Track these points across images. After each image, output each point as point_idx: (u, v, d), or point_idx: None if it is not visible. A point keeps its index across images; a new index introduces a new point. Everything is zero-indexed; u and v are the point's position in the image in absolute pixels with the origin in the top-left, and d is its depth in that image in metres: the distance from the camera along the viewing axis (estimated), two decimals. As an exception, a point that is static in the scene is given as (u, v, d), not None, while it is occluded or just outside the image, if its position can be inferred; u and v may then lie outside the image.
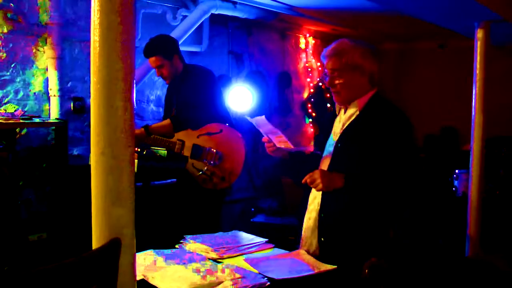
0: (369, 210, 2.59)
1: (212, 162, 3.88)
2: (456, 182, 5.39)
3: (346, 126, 2.67)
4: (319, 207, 2.65)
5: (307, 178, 2.51)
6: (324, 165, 2.70)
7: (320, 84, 8.54)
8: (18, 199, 4.58)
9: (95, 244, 1.44)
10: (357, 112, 2.65)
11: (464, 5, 3.89)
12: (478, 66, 4.39)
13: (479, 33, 4.38)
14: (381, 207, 2.61)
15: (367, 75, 2.64)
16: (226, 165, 3.95)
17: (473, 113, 4.42)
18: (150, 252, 2.54)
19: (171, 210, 4.30)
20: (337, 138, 2.69)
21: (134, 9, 1.48)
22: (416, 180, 2.65)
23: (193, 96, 3.96)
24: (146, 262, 2.36)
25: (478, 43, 4.38)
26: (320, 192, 2.64)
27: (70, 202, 4.48)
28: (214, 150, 3.90)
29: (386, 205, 2.63)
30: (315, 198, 2.71)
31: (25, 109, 4.82)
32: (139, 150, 3.97)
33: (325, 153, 2.75)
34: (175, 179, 4.50)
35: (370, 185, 2.54)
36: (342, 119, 2.73)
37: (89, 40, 4.86)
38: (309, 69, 8.50)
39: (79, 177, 4.65)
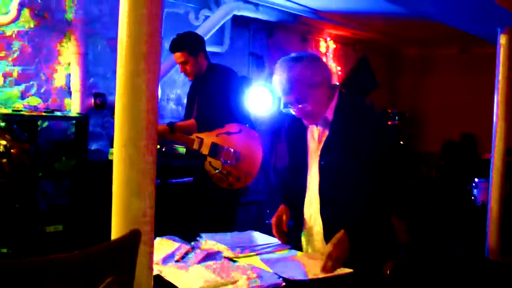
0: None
1: (229, 162, 3.89)
2: (475, 191, 5.34)
3: (324, 142, 2.55)
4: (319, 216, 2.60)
5: (324, 272, 2.28)
6: (312, 186, 2.60)
7: (342, 89, 8.51)
8: (37, 190, 4.64)
9: (114, 235, 1.46)
10: (328, 125, 2.54)
11: (487, 10, 3.87)
12: (500, 72, 4.34)
13: (502, 39, 4.33)
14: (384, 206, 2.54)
15: (325, 83, 2.50)
16: (243, 166, 3.95)
17: (494, 121, 4.37)
18: (169, 240, 2.58)
19: (187, 208, 4.32)
20: (317, 156, 2.57)
21: (162, 4, 1.50)
22: (404, 168, 2.59)
23: (216, 95, 3.98)
24: (163, 251, 2.39)
25: (501, 49, 4.34)
26: (317, 204, 2.58)
27: (88, 195, 4.52)
28: (232, 150, 3.91)
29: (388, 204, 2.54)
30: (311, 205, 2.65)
31: (47, 103, 4.88)
32: (159, 147, 4.00)
33: (309, 175, 2.63)
34: (192, 178, 4.53)
35: (371, 214, 2.47)
36: (316, 134, 2.62)
37: (112, 38, 4.92)
38: (329, 73, 8.48)
39: (97, 171, 4.70)
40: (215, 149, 3.93)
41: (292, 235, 2.75)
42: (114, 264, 1.30)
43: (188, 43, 4.00)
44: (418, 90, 9.79)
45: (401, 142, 8.62)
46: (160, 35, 1.53)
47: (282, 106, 2.59)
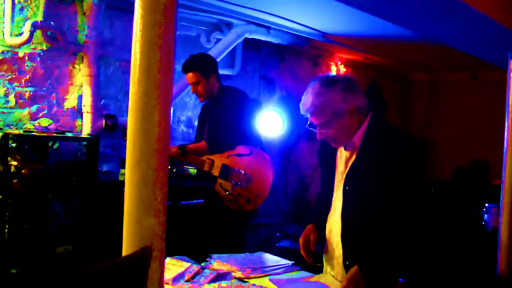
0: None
1: (239, 184, 3.88)
2: (486, 216, 5.30)
3: (350, 167, 2.50)
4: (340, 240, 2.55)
5: None
6: (337, 208, 2.57)
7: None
8: (47, 211, 4.64)
9: (125, 252, 1.46)
10: (356, 150, 2.50)
11: (498, 35, 3.88)
12: (510, 96, 4.34)
13: (512, 64, 4.34)
14: (403, 236, 2.44)
15: (355, 112, 2.44)
16: (253, 188, 3.94)
17: (505, 146, 4.35)
18: (179, 260, 2.57)
19: (198, 229, 4.31)
20: (343, 180, 2.53)
21: (175, 27, 1.51)
22: (425, 203, 2.51)
23: (227, 118, 3.98)
24: (173, 272, 2.38)
25: (511, 74, 4.34)
26: (340, 229, 2.53)
27: (98, 216, 4.53)
28: (243, 172, 3.91)
29: (407, 233, 2.44)
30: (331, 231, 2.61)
31: (58, 124, 4.91)
32: (169, 167, 3.99)
33: (335, 195, 2.60)
34: (202, 200, 4.52)
35: (386, 252, 2.40)
36: (343, 157, 2.58)
37: (124, 60, 4.95)
38: (339, 97, 8.49)
39: (107, 192, 4.70)
40: (225, 171, 3.93)
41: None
42: (125, 280, 1.30)
43: (201, 64, 4.02)
44: (429, 116, 9.78)
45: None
46: (173, 57, 1.54)
47: (307, 123, 2.53)
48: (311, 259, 2.62)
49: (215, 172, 3.94)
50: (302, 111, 2.52)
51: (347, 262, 2.46)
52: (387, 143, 2.43)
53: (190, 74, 4.03)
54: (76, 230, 4.58)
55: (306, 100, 2.46)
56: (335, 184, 2.60)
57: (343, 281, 2.34)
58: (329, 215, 2.62)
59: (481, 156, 8.48)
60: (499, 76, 5.40)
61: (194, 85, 4.06)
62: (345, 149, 2.55)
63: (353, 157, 2.49)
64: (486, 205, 5.27)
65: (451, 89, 9.50)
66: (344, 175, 2.52)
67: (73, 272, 1.12)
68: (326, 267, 2.65)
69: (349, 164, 2.51)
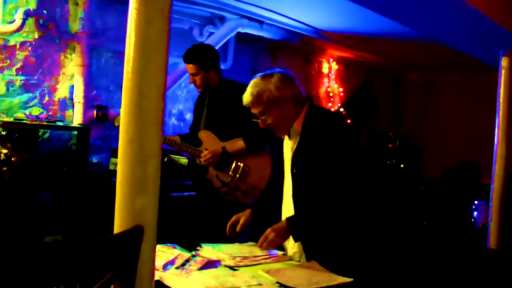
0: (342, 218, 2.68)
1: (237, 176, 3.86)
2: (475, 214, 5.33)
3: (294, 151, 2.73)
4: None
5: (263, 244, 2.63)
6: (288, 194, 2.78)
7: (342, 109, 8.55)
8: (37, 200, 4.62)
9: (116, 231, 1.45)
10: (298, 136, 2.72)
11: (490, 32, 3.90)
12: (502, 95, 4.37)
13: (504, 62, 4.37)
14: (352, 213, 2.70)
15: (290, 100, 2.69)
16: (251, 180, 3.91)
17: (495, 143, 4.38)
18: (170, 247, 2.58)
19: (189, 220, 4.29)
20: (290, 164, 2.75)
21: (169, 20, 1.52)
22: (371, 179, 2.74)
23: (230, 112, 3.93)
24: (163, 258, 2.37)
25: (503, 71, 4.37)
26: (292, 210, 2.73)
27: (88, 206, 4.51)
28: (241, 164, 3.88)
29: (355, 211, 2.70)
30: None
31: (49, 114, 4.89)
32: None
33: (285, 182, 2.82)
34: (194, 192, 4.50)
35: (316, 217, 2.64)
36: (289, 144, 2.80)
37: (116, 50, 4.91)
38: (331, 94, 8.52)
39: (98, 182, 4.68)
40: (223, 163, 3.90)
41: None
42: (116, 257, 1.29)
43: (200, 57, 3.99)
44: (421, 116, 9.82)
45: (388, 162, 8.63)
46: (167, 50, 1.54)
47: (253, 116, 2.77)
48: (231, 233, 2.88)
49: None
50: (244, 104, 2.73)
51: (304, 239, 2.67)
52: (325, 127, 2.65)
53: (189, 65, 4.01)
54: (65, 220, 4.56)
55: (246, 93, 2.70)
56: (285, 172, 2.81)
57: (269, 229, 2.62)
58: (282, 205, 2.85)
59: (471, 157, 8.53)
60: (489, 77, 5.43)
61: (192, 76, 4.04)
62: (289, 138, 2.78)
63: (296, 143, 2.73)
64: (476, 202, 5.30)
65: (443, 90, 9.55)
66: (290, 161, 2.74)
67: (68, 244, 1.12)
68: (287, 248, 2.81)
69: (294, 149, 2.74)
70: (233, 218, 2.87)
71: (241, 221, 2.84)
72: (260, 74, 2.74)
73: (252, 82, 2.71)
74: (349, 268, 2.44)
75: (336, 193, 2.61)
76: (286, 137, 2.81)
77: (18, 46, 4.67)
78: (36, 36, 4.77)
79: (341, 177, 2.61)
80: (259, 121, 2.74)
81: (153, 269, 1.52)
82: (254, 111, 2.72)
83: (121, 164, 1.49)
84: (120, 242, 1.32)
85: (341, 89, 8.64)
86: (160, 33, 1.50)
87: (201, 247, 2.70)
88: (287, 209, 2.78)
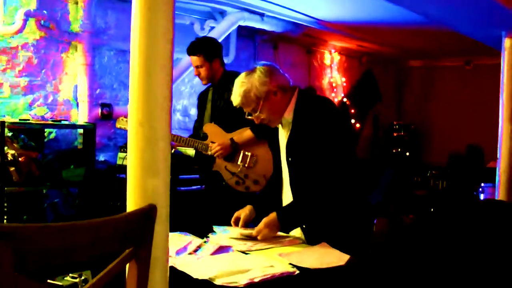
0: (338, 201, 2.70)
1: (246, 165, 3.87)
2: (481, 196, 5.33)
3: (287, 140, 2.76)
4: None
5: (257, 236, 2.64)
6: (286, 182, 2.81)
7: (345, 100, 8.55)
8: (45, 201, 4.65)
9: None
10: (290, 124, 2.74)
11: (492, 12, 3.89)
12: (505, 76, 4.35)
13: (507, 43, 4.35)
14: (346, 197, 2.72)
15: (278, 91, 2.70)
16: (260, 168, 3.92)
17: (500, 124, 4.37)
18: (182, 234, 2.60)
19: (198, 212, 4.30)
20: (285, 153, 2.78)
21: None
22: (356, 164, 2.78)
23: None
24: (176, 245, 2.38)
25: (506, 53, 4.35)
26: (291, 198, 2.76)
27: (96, 204, 4.52)
28: (249, 153, 3.89)
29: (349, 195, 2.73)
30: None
31: (54, 113, 4.91)
32: None
33: (283, 171, 2.85)
34: (201, 186, 4.51)
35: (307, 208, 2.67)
36: (283, 133, 2.82)
37: (118, 49, 4.89)
38: (334, 85, 8.52)
39: (104, 179, 4.70)
40: (232, 153, 3.90)
41: None
42: (132, 235, 1.30)
43: (205, 48, 4.00)
44: (424, 102, 9.81)
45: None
46: (172, 45, 1.55)
47: (246, 114, 2.79)
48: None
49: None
50: (235, 106, 2.76)
51: (304, 226, 2.72)
52: (314, 114, 2.68)
53: (193, 57, 4.02)
54: (74, 219, 4.56)
55: (234, 93, 2.73)
56: (282, 162, 2.84)
57: (260, 224, 2.65)
58: (282, 194, 2.87)
59: (476, 141, 8.52)
60: (492, 61, 5.43)
61: (196, 68, 4.05)
62: (282, 128, 2.81)
63: (289, 132, 2.75)
64: (482, 184, 5.30)
65: (446, 75, 9.53)
66: (285, 150, 2.77)
67: (84, 222, 1.14)
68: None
69: (287, 138, 2.76)
70: (234, 216, 2.89)
71: (242, 218, 2.85)
72: (242, 73, 2.77)
73: (237, 82, 2.73)
74: (353, 249, 2.45)
75: (331, 178, 2.64)
76: (280, 126, 2.83)
77: (20, 47, 4.69)
78: (38, 37, 4.79)
79: (334, 162, 2.64)
80: (253, 118, 2.75)
81: (167, 248, 1.53)
82: (246, 110, 2.74)
83: (131, 146, 1.51)
84: (135, 220, 1.33)
85: (343, 79, 8.64)
86: (165, 15, 1.51)
87: (213, 232, 2.74)
88: (287, 197, 2.80)
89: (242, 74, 2.75)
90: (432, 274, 1.00)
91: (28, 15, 4.56)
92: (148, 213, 1.36)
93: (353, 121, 8.55)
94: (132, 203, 1.48)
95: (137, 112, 1.49)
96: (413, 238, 1.05)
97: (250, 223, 2.89)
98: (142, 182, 1.49)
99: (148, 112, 1.49)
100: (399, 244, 1.08)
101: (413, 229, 1.09)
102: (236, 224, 2.86)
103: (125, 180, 1.54)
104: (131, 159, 1.50)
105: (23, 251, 1.07)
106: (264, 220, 2.66)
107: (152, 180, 1.48)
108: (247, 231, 2.71)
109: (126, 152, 4.25)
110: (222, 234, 2.70)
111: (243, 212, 2.88)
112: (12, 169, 4.19)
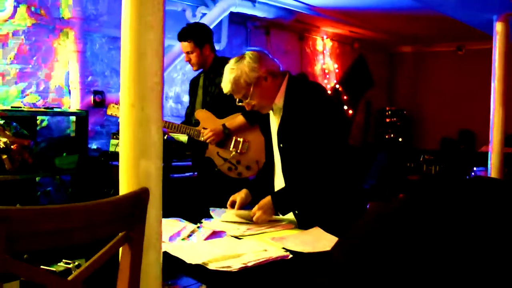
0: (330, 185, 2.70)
1: (238, 151, 3.87)
2: (474, 180, 5.36)
3: (279, 126, 2.75)
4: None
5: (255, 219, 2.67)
6: (278, 168, 2.82)
7: (337, 86, 8.55)
8: (38, 188, 4.63)
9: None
10: (281, 110, 2.74)
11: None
12: (497, 60, 4.36)
13: (498, 27, 4.34)
14: (339, 181, 2.73)
15: (268, 76, 2.69)
16: (252, 154, 3.92)
17: (492, 108, 4.39)
18: (175, 220, 2.61)
19: (191, 198, 4.31)
20: (276, 139, 2.79)
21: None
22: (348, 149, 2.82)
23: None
24: (169, 231, 2.39)
25: (497, 36, 4.35)
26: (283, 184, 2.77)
27: (89, 190, 4.52)
28: (241, 139, 3.89)
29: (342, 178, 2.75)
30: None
31: (46, 101, 4.89)
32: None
33: (275, 157, 2.85)
34: (193, 173, 4.52)
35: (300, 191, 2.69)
36: (274, 119, 2.82)
37: (110, 36, 4.87)
38: (326, 71, 8.51)
39: (97, 166, 4.70)
40: (223, 140, 3.91)
41: None
42: (124, 217, 1.31)
43: (195, 34, 4.00)
44: (416, 87, 9.83)
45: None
46: (163, 30, 1.54)
47: (237, 101, 2.77)
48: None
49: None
50: (225, 93, 2.76)
51: (296, 212, 2.74)
52: (305, 100, 2.68)
53: (184, 43, 4.02)
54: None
55: (224, 80, 2.72)
56: (274, 148, 2.85)
57: (255, 207, 2.68)
58: (274, 179, 2.88)
59: (467, 126, 8.56)
60: (484, 46, 5.43)
61: (187, 54, 4.04)
62: (274, 114, 2.81)
63: (280, 117, 2.75)
64: (474, 169, 5.33)
65: (438, 61, 9.56)
66: (276, 136, 2.77)
67: (77, 205, 1.14)
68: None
69: (278, 124, 2.76)
70: (230, 199, 2.90)
71: (238, 201, 2.85)
72: (231, 60, 2.75)
73: (226, 69, 2.72)
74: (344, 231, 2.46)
75: (322, 164, 2.65)
76: (271, 112, 2.83)
77: (11, 34, 4.66)
78: (29, 24, 4.76)
79: (325, 148, 2.65)
80: (244, 104, 2.75)
81: (160, 232, 1.53)
82: (237, 96, 2.73)
83: (123, 128, 1.50)
84: (128, 202, 1.33)
85: (336, 66, 8.64)
86: (156, 1, 1.50)
87: (208, 218, 2.75)
88: (279, 183, 2.81)
89: (231, 61, 2.74)
90: (418, 253, 1.01)
91: (18, 1, 4.54)
92: (140, 196, 1.37)
93: (345, 107, 8.56)
94: (124, 186, 1.47)
95: (129, 95, 1.49)
96: (399, 217, 1.05)
97: (246, 206, 2.90)
98: (135, 164, 1.48)
99: (139, 95, 1.48)
100: (384, 224, 1.08)
101: (399, 208, 1.10)
102: (232, 207, 2.86)
103: (117, 167, 1.54)
104: (123, 141, 1.49)
105: (17, 234, 1.07)
106: (259, 203, 2.69)
107: (146, 162, 1.48)
108: (244, 212, 2.73)
109: (118, 138, 4.26)
110: (216, 219, 2.71)
111: (239, 196, 2.89)
112: (5, 157, 4.18)
